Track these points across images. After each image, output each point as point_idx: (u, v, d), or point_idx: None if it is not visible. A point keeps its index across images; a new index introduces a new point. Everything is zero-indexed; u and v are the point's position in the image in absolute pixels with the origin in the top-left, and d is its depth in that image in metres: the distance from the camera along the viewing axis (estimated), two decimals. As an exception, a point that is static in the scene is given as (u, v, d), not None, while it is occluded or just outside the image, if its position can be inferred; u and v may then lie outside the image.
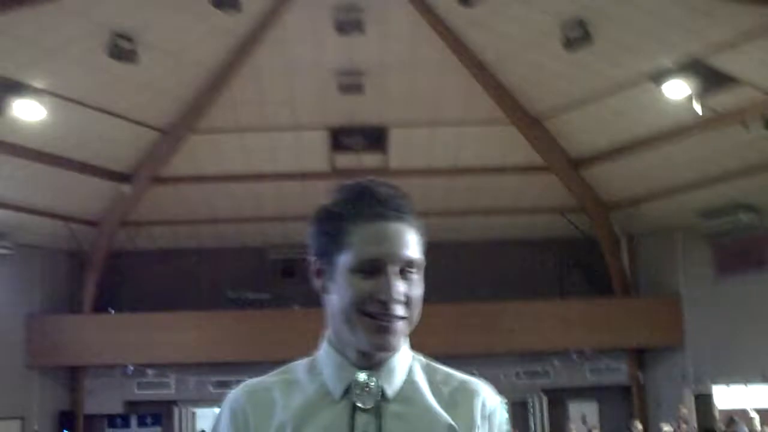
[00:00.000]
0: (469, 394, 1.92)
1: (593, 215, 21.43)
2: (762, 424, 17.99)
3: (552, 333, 19.66)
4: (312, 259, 1.95)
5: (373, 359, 1.88)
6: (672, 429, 14.21)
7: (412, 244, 1.88)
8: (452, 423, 1.84)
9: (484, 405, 1.91)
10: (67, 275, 20.96)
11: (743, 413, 18.76)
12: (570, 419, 19.87)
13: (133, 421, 21.38)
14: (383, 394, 1.86)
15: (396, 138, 19.57)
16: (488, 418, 1.91)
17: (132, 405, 21.00)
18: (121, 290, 20.77)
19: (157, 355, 19.57)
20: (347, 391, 1.85)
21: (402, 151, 19.62)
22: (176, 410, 21.23)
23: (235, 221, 21.07)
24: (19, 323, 19.79)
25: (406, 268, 1.85)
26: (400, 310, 1.83)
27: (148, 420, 21.39)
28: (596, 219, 21.48)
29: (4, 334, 19.48)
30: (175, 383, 20.31)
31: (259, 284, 21.32)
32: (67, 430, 20.38)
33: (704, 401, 20.53)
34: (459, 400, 1.90)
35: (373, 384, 1.85)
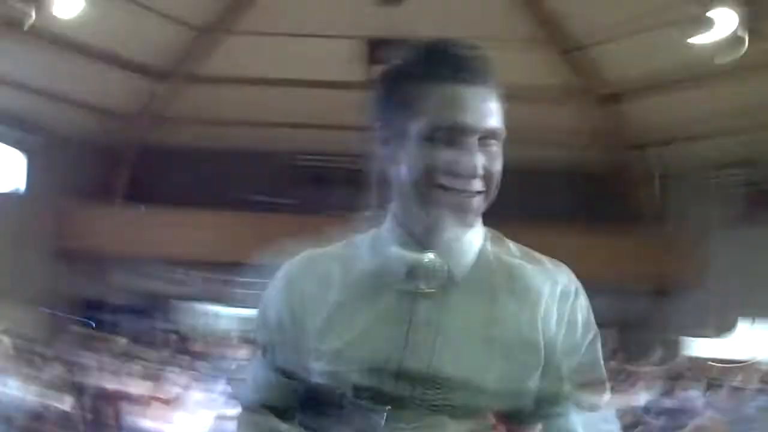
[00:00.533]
0: (545, 276, 1.77)
1: (623, 151, 21.27)
2: None
3: (577, 265, 19.59)
4: (377, 125, 1.76)
5: (441, 238, 1.71)
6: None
7: (494, 112, 1.74)
8: (519, 315, 1.69)
9: (562, 299, 1.77)
10: (98, 169, 21.06)
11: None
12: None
13: (135, 312, 21.68)
14: (450, 277, 1.71)
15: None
16: (565, 302, 1.78)
17: (153, 298, 21.27)
18: (152, 186, 20.86)
19: (177, 251, 19.69)
20: (410, 273, 1.69)
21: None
22: (195, 307, 21.58)
23: (267, 125, 20.99)
24: (49, 213, 19.98)
25: (486, 138, 1.72)
26: (477, 184, 1.70)
27: (151, 312, 21.63)
28: (630, 154, 21.32)
29: (34, 223, 19.71)
30: (191, 280, 20.48)
31: (288, 190, 21.35)
32: (92, 319, 20.70)
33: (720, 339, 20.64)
34: (534, 291, 1.74)
35: (439, 265, 1.70)
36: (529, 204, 20.87)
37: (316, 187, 21.33)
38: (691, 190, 21.58)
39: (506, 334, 1.66)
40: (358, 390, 1.63)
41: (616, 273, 20.01)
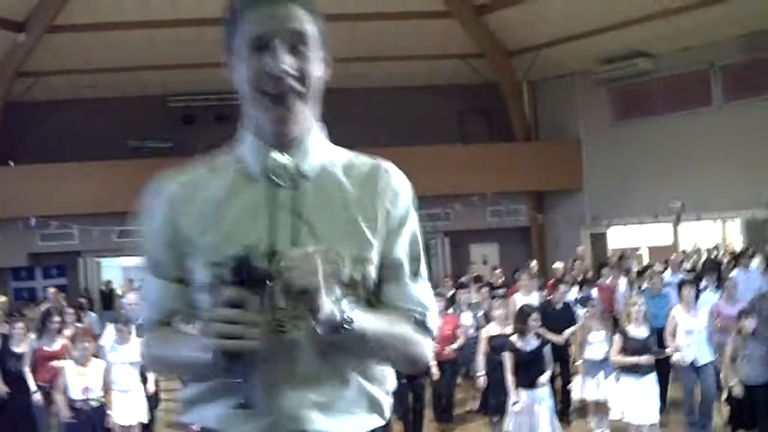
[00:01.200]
0: (379, 174, 2.04)
1: (495, 61, 21.54)
2: (651, 258, 18.83)
3: (454, 177, 19.85)
4: (222, 53, 2.01)
5: (287, 139, 1.95)
6: (562, 266, 14.75)
7: (303, 19, 1.93)
8: (361, 198, 1.98)
9: (390, 184, 2.04)
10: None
11: (633, 251, 19.62)
12: (471, 260, 20.42)
13: (38, 273, 21.29)
14: (300, 172, 1.96)
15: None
16: (396, 195, 2.04)
17: (36, 257, 20.84)
18: (20, 142, 20.29)
19: (59, 207, 19.28)
20: (266, 171, 1.95)
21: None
22: (81, 261, 21.19)
23: (133, 69, 20.57)
24: None
25: (297, 43, 1.91)
26: (291, 81, 1.89)
27: (53, 272, 21.32)
28: (498, 65, 21.61)
29: None
30: (79, 234, 20.16)
31: (160, 133, 21.05)
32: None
33: (599, 240, 21.35)
34: (369, 180, 2.02)
35: (289, 162, 1.95)
36: (408, 121, 21.07)
37: (189, 127, 21.08)
38: (560, 95, 22.08)
39: (352, 214, 1.97)
40: (236, 272, 1.79)
41: (496, 185, 20.44)
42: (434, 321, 2.11)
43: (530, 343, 8.90)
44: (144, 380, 9.85)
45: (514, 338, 8.98)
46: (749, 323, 9.00)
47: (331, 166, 2.02)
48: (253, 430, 1.92)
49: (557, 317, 11.09)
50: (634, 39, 19.15)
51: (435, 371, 10.34)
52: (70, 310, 12.59)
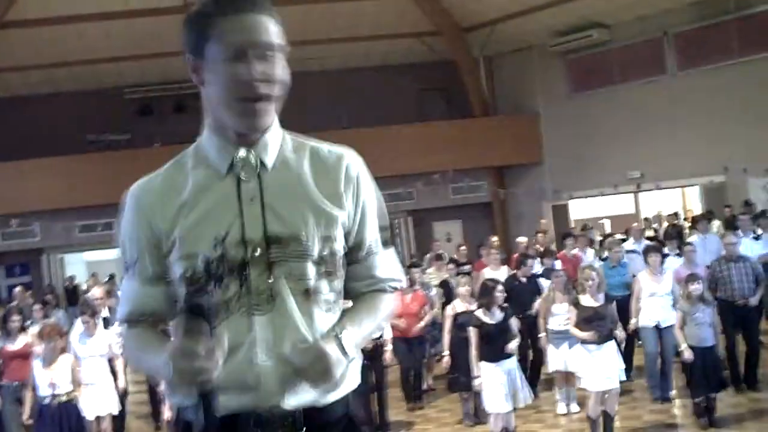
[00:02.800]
0: (337, 159, 2.20)
1: (450, 38, 21.57)
2: (613, 228, 19.01)
3: (414, 156, 19.90)
4: (188, 57, 2.11)
5: (249, 137, 2.11)
6: (526, 240, 14.87)
7: (271, 30, 2.08)
8: (321, 182, 2.14)
9: (348, 168, 2.20)
10: None
11: (595, 220, 19.83)
12: (435, 238, 20.51)
13: (1, 271, 21.11)
14: (263, 166, 2.12)
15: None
16: (355, 178, 2.20)
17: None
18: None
19: (19, 204, 19.13)
20: (231, 168, 2.11)
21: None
22: (44, 258, 21.02)
23: (88, 62, 20.34)
24: None
25: (267, 51, 2.06)
26: (263, 88, 2.05)
27: (17, 270, 21.14)
28: (453, 42, 21.63)
29: None
30: (41, 230, 20.01)
31: (118, 125, 20.91)
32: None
33: (561, 212, 21.51)
34: (333, 166, 2.19)
35: (252, 157, 2.11)
36: (367, 102, 21.07)
37: (147, 119, 20.99)
38: (517, 69, 22.16)
39: (314, 197, 2.13)
40: (209, 263, 2.05)
41: (457, 162, 20.49)
42: (401, 282, 2.38)
43: (495, 316, 8.98)
44: (113, 372, 9.85)
45: (479, 313, 9.04)
46: (696, 288, 9.16)
47: (292, 155, 2.17)
48: (236, 401, 2.07)
49: (523, 291, 11.17)
50: (588, 10, 19.26)
51: (388, 356, 10.28)
52: (37, 307, 12.51)
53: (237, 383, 2.05)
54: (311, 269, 2.10)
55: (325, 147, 2.22)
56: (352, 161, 2.21)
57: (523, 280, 11.46)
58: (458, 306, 10.11)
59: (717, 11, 18.06)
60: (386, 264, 2.31)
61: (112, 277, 19.00)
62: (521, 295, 10.95)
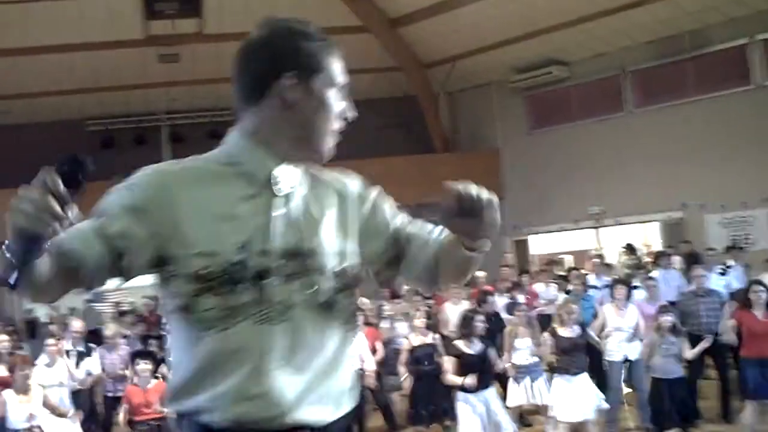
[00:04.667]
0: (347, 179, 2.40)
1: (411, 74, 21.73)
2: (574, 263, 19.10)
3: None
4: (290, 74, 2.17)
5: (297, 160, 2.23)
6: (484, 274, 14.90)
7: None
8: (341, 202, 2.30)
9: (355, 182, 2.42)
10: None
11: (555, 255, 19.96)
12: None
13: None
14: (296, 183, 2.22)
15: (211, 1, 19.15)
16: (364, 190, 2.41)
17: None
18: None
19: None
20: (267, 180, 2.15)
21: (217, 14, 19.22)
22: (1, 291, 20.68)
23: (48, 95, 20.25)
24: None
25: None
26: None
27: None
28: (414, 77, 21.79)
29: None
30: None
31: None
32: None
33: (521, 246, 21.60)
34: (342, 184, 2.37)
35: (290, 175, 2.20)
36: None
37: (108, 151, 20.86)
38: (477, 105, 22.32)
39: (335, 216, 2.27)
40: (229, 265, 2.04)
41: (417, 197, 20.48)
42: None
43: (476, 347, 9.04)
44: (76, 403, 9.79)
45: (458, 343, 9.12)
46: (667, 319, 9.28)
47: (311, 174, 2.29)
48: (244, 411, 2.06)
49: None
50: (547, 47, 19.48)
51: (370, 381, 10.32)
52: (5, 337, 12.34)
53: (243, 393, 2.05)
54: (329, 283, 2.16)
55: (331, 172, 2.37)
56: (361, 183, 2.42)
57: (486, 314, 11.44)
58: (414, 340, 10.15)
59: (673, 50, 18.32)
60: (420, 222, 2.48)
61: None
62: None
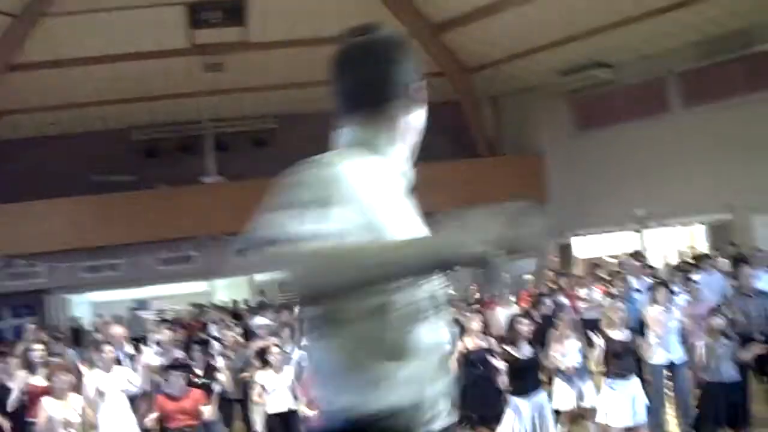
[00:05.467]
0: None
1: (455, 79, 21.68)
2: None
3: (418, 196, 19.77)
4: (416, 84, 2.39)
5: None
6: (532, 278, 14.85)
7: None
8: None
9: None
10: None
11: (600, 259, 19.79)
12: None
13: (6, 312, 21.08)
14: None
15: (255, 10, 19.26)
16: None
17: (2, 297, 20.63)
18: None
19: (25, 245, 19.15)
20: (406, 176, 2.41)
21: (261, 23, 19.33)
22: (49, 298, 21.00)
23: (96, 104, 20.50)
24: None
25: None
26: None
27: (22, 310, 21.10)
28: (458, 83, 21.75)
29: None
30: (46, 271, 19.99)
31: (124, 166, 20.96)
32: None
33: (565, 250, 21.47)
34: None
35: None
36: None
37: (153, 160, 21.04)
38: (522, 108, 22.24)
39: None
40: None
41: (461, 201, 20.45)
42: None
43: (524, 351, 9.01)
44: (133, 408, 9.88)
45: (507, 347, 9.09)
46: (718, 321, 9.12)
47: None
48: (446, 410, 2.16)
49: (537, 329, 11.11)
50: (592, 49, 19.34)
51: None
52: (41, 346, 12.49)
53: (439, 384, 2.14)
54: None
55: None
56: None
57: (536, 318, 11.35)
58: (468, 343, 10.11)
59: (720, 50, 18.11)
60: None
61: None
62: (535, 334, 10.89)
